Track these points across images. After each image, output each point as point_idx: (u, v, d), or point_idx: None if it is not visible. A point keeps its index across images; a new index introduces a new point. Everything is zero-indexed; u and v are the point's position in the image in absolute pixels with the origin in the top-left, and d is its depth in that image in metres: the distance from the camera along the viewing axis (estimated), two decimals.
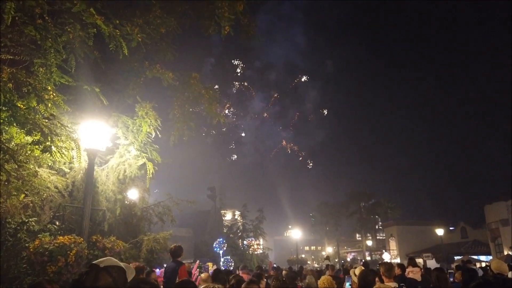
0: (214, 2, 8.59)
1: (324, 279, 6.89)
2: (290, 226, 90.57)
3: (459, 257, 31.90)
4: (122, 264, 3.01)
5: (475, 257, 32.26)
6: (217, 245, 37.66)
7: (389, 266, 6.62)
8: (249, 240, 49.01)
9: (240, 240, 49.41)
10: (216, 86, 11.38)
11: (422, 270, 10.99)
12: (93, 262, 2.92)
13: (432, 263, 35.04)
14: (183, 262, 8.80)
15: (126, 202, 12.65)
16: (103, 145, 8.10)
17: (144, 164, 10.47)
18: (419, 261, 33.43)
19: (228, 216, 63.43)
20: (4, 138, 7.43)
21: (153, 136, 10.35)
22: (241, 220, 52.54)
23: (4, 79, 6.37)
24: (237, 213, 61.19)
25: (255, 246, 48.33)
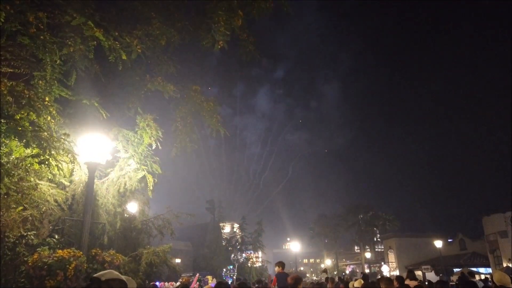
0: (211, 16, 8.63)
1: None
2: (288, 239, 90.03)
3: (458, 269, 31.77)
4: (123, 277, 2.99)
5: (474, 269, 32.07)
6: (227, 274, 36.59)
7: (388, 280, 6.66)
8: (248, 253, 48.77)
9: (239, 253, 49.14)
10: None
11: (422, 282, 10.91)
12: (94, 275, 2.90)
13: (431, 276, 34.87)
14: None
15: (126, 215, 12.61)
16: (103, 158, 8.09)
17: (144, 177, 10.45)
18: (418, 273, 33.27)
19: (227, 229, 63.01)
20: (4, 151, 7.42)
21: (153, 148, 10.34)
22: (240, 233, 52.30)
23: (3, 92, 6.38)
24: (236, 225, 60.87)
25: (254, 259, 48.09)
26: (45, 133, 7.01)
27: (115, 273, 2.95)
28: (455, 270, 33.39)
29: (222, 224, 58.95)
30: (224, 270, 33.23)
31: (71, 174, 8.60)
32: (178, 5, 9.35)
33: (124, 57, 7.82)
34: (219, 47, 8.65)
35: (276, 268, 11.33)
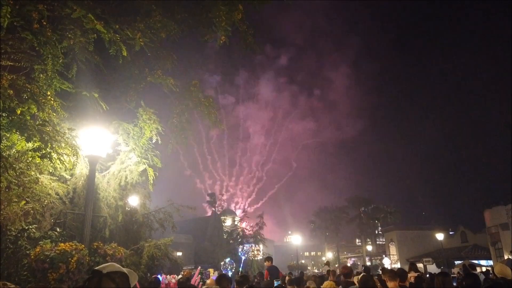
0: (211, 10, 8.61)
1: (327, 284, 6.87)
2: (290, 232, 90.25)
3: (459, 262, 31.81)
4: (125, 270, 2.98)
5: (476, 261, 32.14)
6: (226, 267, 36.29)
7: (391, 273, 6.66)
8: (249, 246, 48.82)
9: (240, 246, 49.24)
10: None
11: (423, 274, 10.96)
12: (96, 268, 2.89)
13: (432, 268, 34.95)
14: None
15: (127, 208, 12.61)
16: (104, 152, 8.09)
17: (145, 170, 10.46)
18: (420, 265, 33.34)
19: (228, 222, 63.08)
20: (5, 145, 7.41)
21: (153, 142, 10.35)
22: (241, 226, 52.37)
23: (4, 85, 6.36)
24: (237, 219, 61.01)
25: (255, 252, 48.17)
26: (48, 128, 7.01)
27: (117, 266, 2.94)
28: (456, 262, 33.44)
29: (223, 217, 59.07)
30: (222, 263, 33.14)
31: (73, 167, 8.60)
32: None
33: (124, 53, 7.80)
34: (222, 41, 8.67)
35: (266, 263, 13.07)
